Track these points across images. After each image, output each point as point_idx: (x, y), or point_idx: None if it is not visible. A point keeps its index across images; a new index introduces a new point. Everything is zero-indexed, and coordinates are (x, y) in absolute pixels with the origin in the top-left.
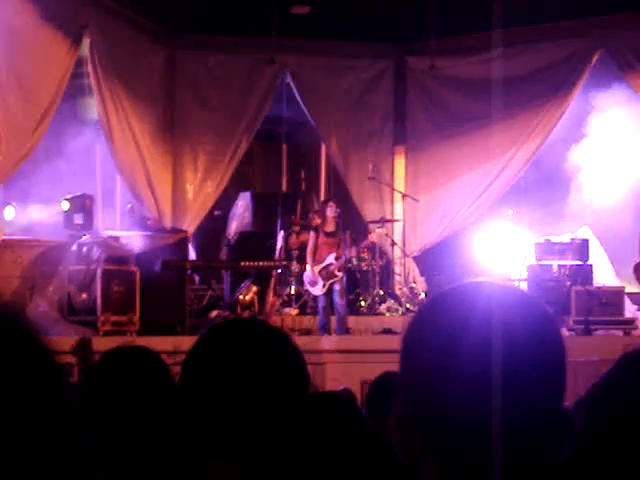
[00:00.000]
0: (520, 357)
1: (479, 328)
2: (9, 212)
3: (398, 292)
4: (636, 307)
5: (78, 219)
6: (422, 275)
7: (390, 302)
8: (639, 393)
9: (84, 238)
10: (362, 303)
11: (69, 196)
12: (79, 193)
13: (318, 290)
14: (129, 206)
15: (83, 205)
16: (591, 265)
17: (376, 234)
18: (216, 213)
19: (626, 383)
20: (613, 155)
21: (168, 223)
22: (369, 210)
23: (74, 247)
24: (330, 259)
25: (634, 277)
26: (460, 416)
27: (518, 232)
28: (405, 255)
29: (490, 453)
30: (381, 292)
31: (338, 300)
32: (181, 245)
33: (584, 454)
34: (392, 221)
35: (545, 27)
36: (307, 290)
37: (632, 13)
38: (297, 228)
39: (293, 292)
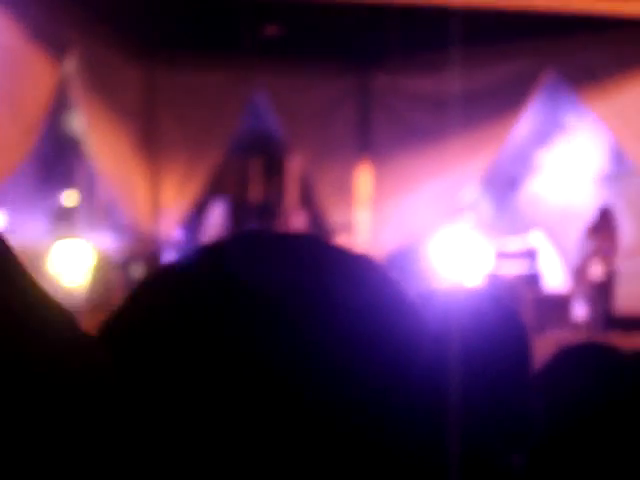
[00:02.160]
0: (473, 359)
1: (431, 333)
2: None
3: None
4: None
5: (61, 228)
6: None
7: None
8: (568, 386)
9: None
10: None
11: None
12: (62, 206)
13: None
14: None
15: (66, 213)
16: (540, 273)
17: (342, 240)
18: (191, 221)
19: (556, 378)
20: (568, 160)
21: (146, 231)
22: (335, 217)
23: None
24: None
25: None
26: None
27: (476, 239)
28: None
29: (448, 456)
30: None
31: None
32: (159, 252)
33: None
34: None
35: (497, 47)
36: None
37: (581, 34)
38: None
39: None
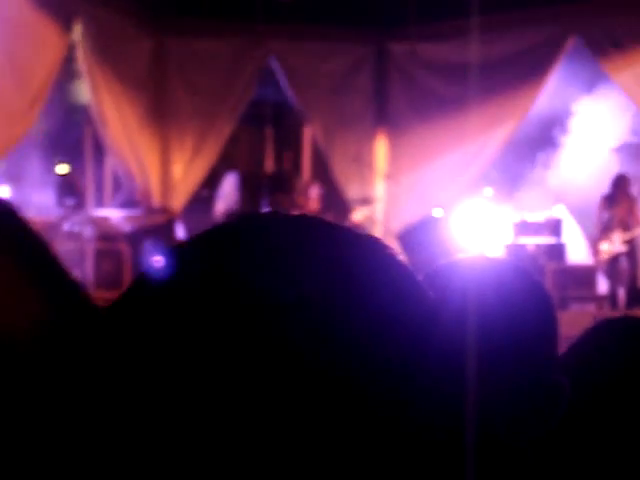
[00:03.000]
0: (497, 332)
1: (454, 305)
2: (3, 192)
3: None
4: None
5: (69, 200)
6: (403, 252)
7: None
8: (605, 362)
9: (75, 217)
10: None
11: (62, 171)
12: (68, 175)
13: None
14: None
15: (73, 186)
16: (564, 243)
17: (360, 214)
18: (204, 194)
19: (591, 353)
20: (591, 135)
21: (157, 203)
22: (352, 191)
23: (66, 226)
24: None
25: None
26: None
27: (496, 211)
28: (387, 234)
29: (465, 430)
30: None
31: None
32: (170, 225)
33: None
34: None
35: (519, 13)
36: None
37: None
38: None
39: None
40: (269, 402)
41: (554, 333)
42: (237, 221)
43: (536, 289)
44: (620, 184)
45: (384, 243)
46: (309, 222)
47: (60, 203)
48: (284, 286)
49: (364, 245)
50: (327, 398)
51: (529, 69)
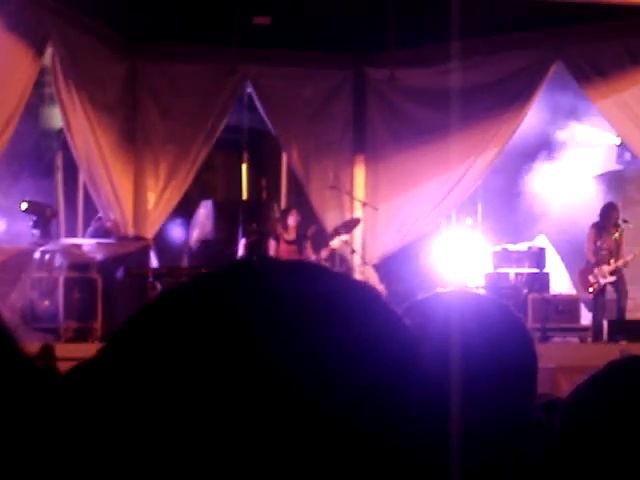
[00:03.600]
0: (478, 365)
1: (437, 338)
2: None
3: None
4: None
5: (36, 230)
6: (381, 283)
7: None
8: (620, 401)
9: (46, 246)
10: None
11: (27, 202)
12: (39, 201)
13: None
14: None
15: (43, 215)
16: (547, 273)
17: (337, 241)
18: (177, 222)
19: (608, 390)
20: (572, 163)
21: (130, 231)
22: (329, 218)
23: (37, 254)
24: None
25: (578, 281)
26: (418, 426)
27: (476, 240)
28: (364, 263)
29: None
30: None
31: None
32: (143, 252)
33: (557, 455)
34: (352, 225)
35: (502, 38)
36: None
37: (589, 25)
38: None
39: None
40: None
41: (534, 369)
42: (235, 267)
43: (516, 325)
44: (609, 214)
45: (371, 288)
46: (305, 269)
47: (30, 230)
48: (284, 334)
49: (354, 291)
50: (317, 425)
51: (512, 95)
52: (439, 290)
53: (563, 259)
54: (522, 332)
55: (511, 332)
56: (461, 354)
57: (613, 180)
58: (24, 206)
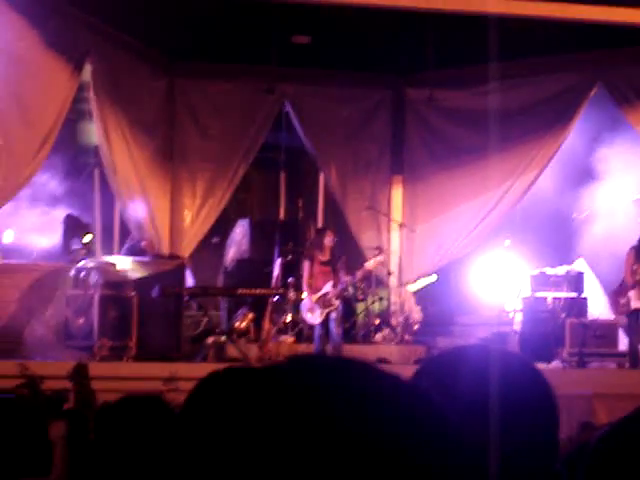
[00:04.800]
0: (504, 425)
1: (469, 393)
2: (8, 236)
3: (393, 321)
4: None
5: (75, 244)
6: (418, 304)
7: (385, 331)
8: None
9: (82, 263)
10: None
11: (65, 218)
12: (77, 218)
13: (316, 318)
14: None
15: (79, 232)
16: (586, 298)
17: (374, 262)
18: (214, 240)
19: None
20: (613, 189)
21: (166, 249)
22: (366, 239)
23: (72, 272)
24: (327, 287)
25: (609, 302)
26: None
27: (514, 263)
28: (401, 284)
29: None
30: (377, 321)
31: (334, 329)
32: (178, 271)
33: None
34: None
35: (543, 60)
36: (304, 319)
37: (630, 48)
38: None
39: (289, 320)
40: None
41: (555, 422)
42: (296, 364)
43: (539, 380)
44: None
45: (410, 385)
46: (356, 368)
47: (66, 248)
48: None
49: (398, 389)
50: None
51: (552, 118)
52: (461, 345)
53: (602, 283)
54: (543, 388)
55: (533, 388)
56: (489, 419)
57: None
58: (61, 223)
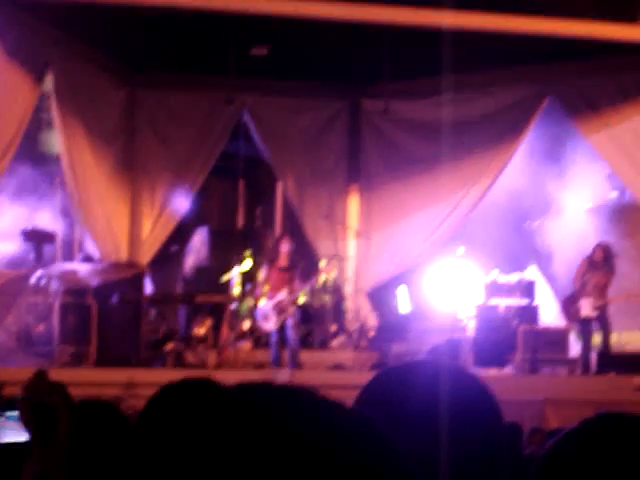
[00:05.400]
0: (454, 440)
1: (417, 408)
2: None
3: (349, 328)
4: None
5: (33, 255)
6: (373, 311)
7: (341, 337)
8: (592, 464)
9: (42, 271)
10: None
11: (25, 227)
12: (37, 226)
13: (270, 325)
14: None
15: (39, 240)
16: (537, 305)
17: (325, 261)
18: (173, 248)
19: (580, 452)
20: (565, 196)
21: (125, 257)
22: (323, 247)
23: (33, 279)
24: (283, 294)
25: (561, 309)
26: None
27: (468, 270)
28: (357, 291)
29: None
30: (333, 327)
31: (291, 334)
32: (138, 279)
33: None
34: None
35: (495, 72)
36: (259, 326)
37: (580, 61)
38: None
39: (247, 326)
40: None
41: (503, 435)
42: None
43: (486, 395)
44: (603, 252)
45: (367, 420)
46: (299, 399)
47: (26, 255)
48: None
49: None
50: None
51: (504, 129)
52: (409, 361)
53: (554, 290)
54: (494, 405)
55: (483, 406)
56: (439, 437)
57: (606, 213)
58: (21, 231)
